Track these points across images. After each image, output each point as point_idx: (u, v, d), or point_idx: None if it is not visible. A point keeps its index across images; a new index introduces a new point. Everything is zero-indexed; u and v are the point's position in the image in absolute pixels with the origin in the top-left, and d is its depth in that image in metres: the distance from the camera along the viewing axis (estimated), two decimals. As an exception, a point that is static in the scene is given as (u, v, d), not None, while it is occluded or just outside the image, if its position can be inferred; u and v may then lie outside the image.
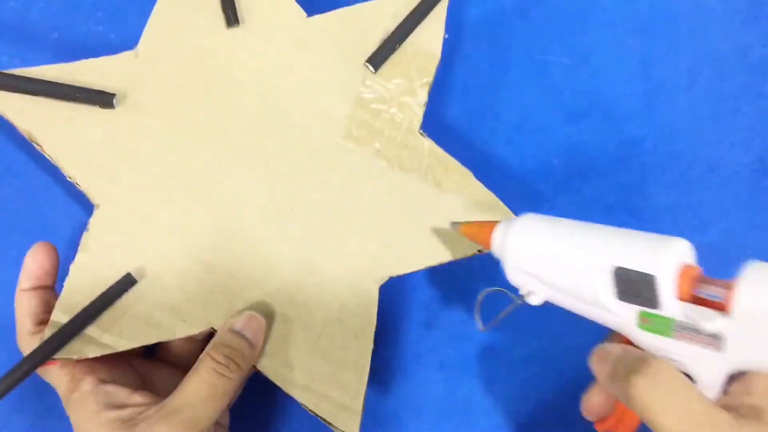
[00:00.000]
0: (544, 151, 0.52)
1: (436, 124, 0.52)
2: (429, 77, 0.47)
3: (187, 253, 0.44)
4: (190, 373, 0.40)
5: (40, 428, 0.48)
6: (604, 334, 0.39)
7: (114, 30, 0.54)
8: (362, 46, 0.47)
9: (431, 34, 0.48)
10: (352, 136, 0.46)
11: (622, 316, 0.35)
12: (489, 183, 0.46)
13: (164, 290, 0.43)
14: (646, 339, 0.34)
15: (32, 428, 0.48)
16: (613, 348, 0.35)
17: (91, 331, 0.42)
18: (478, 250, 0.44)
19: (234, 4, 0.47)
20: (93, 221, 0.44)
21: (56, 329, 0.41)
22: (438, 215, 0.45)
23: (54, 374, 0.41)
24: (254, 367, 0.42)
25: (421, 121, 0.46)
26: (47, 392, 0.42)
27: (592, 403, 0.37)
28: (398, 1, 0.48)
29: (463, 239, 0.44)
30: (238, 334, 0.41)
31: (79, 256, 0.43)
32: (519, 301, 0.39)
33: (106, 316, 0.42)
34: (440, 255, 0.44)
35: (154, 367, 0.45)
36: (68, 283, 0.43)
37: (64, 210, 0.50)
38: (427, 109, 0.47)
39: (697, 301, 0.33)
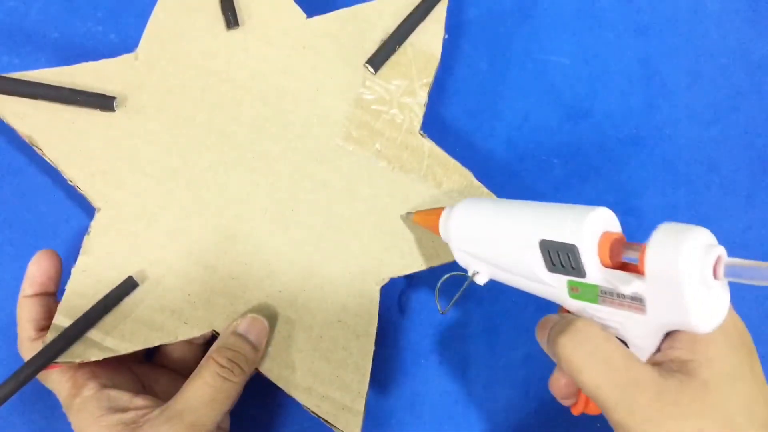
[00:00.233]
0: (544, 151, 0.52)
1: (436, 124, 0.52)
2: (429, 78, 0.47)
3: (188, 255, 0.44)
4: (193, 376, 0.40)
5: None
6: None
7: (114, 30, 0.54)
8: (362, 47, 0.47)
9: (431, 34, 0.48)
10: (353, 138, 0.46)
11: (555, 287, 0.35)
12: (489, 183, 0.46)
13: (166, 293, 0.43)
14: (579, 307, 0.35)
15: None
16: (551, 317, 0.36)
17: (93, 334, 0.42)
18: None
19: (234, 6, 0.47)
20: (94, 224, 0.44)
21: (58, 333, 0.41)
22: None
23: (55, 380, 0.41)
24: (256, 369, 0.43)
25: (421, 121, 0.46)
26: (49, 396, 0.42)
27: (558, 385, 0.37)
28: (398, 2, 0.48)
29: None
30: (241, 336, 0.41)
31: (81, 260, 0.43)
32: (469, 282, 0.40)
33: (108, 320, 0.42)
34: (441, 256, 0.45)
35: (155, 372, 0.45)
36: (70, 287, 0.43)
37: (64, 213, 0.50)
38: (427, 109, 0.47)
39: (624, 267, 0.33)
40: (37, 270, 0.43)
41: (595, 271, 0.33)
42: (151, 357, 0.47)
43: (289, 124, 0.46)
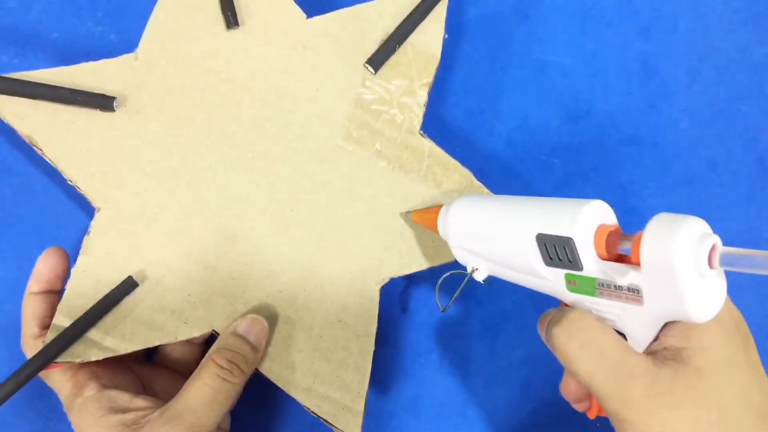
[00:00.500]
0: (544, 151, 0.52)
1: (436, 124, 0.52)
2: (429, 78, 0.47)
3: (188, 255, 0.44)
4: (193, 377, 0.40)
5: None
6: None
7: (114, 30, 0.54)
8: (362, 47, 0.47)
9: (431, 34, 0.48)
10: (353, 138, 0.46)
11: (553, 281, 0.35)
12: (489, 183, 0.46)
13: (166, 293, 0.44)
14: (577, 300, 0.35)
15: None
16: (551, 310, 0.37)
17: (93, 334, 0.42)
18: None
19: (233, 5, 0.47)
20: (94, 224, 0.44)
21: (58, 332, 0.41)
22: (438, 216, 0.45)
23: (56, 379, 0.41)
24: (256, 369, 0.43)
25: (421, 121, 0.46)
26: (49, 396, 0.42)
27: (569, 389, 0.37)
28: (398, 2, 0.48)
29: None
30: (241, 337, 0.41)
31: (81, 260, 0.44)
32: (468, 279, 0.40)
33: (108, 320, 0.43)
34: (441, 256, 0.45)
35: (155, 372, 0.45)
36: (70, 287, 0.43)
37: (64, 213, 0.50)
38: (427, 109, 0.47)
39: (621, 258, 0.34)
40: (45, 267, 0.43)
41: (592, 264, 0.33)
42: (151, 357, 0.47)
43: (289, 124, 0.46)
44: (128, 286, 0.43)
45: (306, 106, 0.47)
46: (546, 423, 0.48)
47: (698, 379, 0.31)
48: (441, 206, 0.42)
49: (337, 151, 0.46)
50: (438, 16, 0.48)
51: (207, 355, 0.41)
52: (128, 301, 0.43)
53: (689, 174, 0.51)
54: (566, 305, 0.37)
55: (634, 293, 0.32)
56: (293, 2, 0.48)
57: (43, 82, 0.45)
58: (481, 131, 0.52)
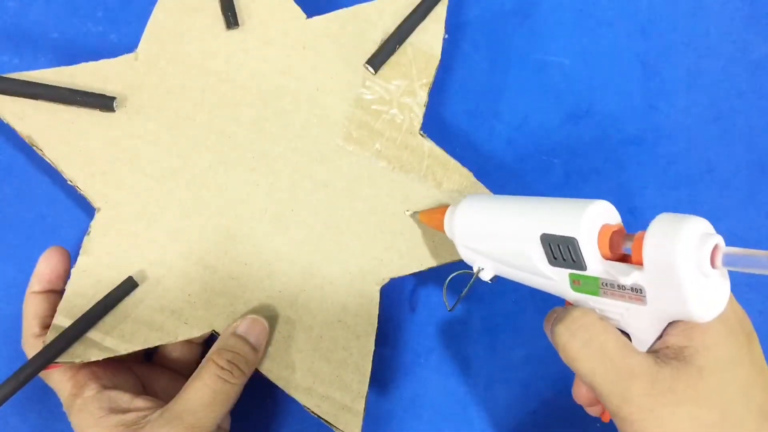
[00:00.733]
0: (544, 151, 0.52)
1: (436, 124, 0.52)
2: (429, 78, 0.47)
3: (188, 255, 0.44)
4: (193, 378, 0.40)
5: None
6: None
7: (114, 30, 0.54)
8: (362, 47, 0.47)
9: (431, 34, 0.48)
10: (353, 138, 0.46)
11: (558, 280, 0.36)
12: (489, 183, 0.46)
13: (166, 293, 0.44)
14: (582, 300, 0.35)
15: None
16: (557, 309, 0.37)
17: (93, 334, 0.42)
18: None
19: (233, 6, 0.47)
20: (94, 224, 0.44)
21: (58, 333, 0.41)
22: (438, 217, 0.45)
23: (56, 379, 0.41)
24: (257, 369, 0.43)
25: (421, 121, 0.46)
26: (49, 396, 0.42)
27: (580, 392, 0.37)
28: (398, 2, 0.48)
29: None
30: (241, 338, 0.41)
31: (81, 260, 0.44)
32: (475, 279, 0.40)
33: (108, 320, 0.42)
34: (441, 256, 0.45)
35: (154, 372, 0.45)
36: (70, 287, 0.43)
37: (64, 213, 0.50)
38: (427, 109, 0.47)
39: (625, 258, 0.34)
40: (47, 267, 0.43)
41: (596, 264, 0.34)
42: (151, 357, 0.47)
43: (289, 124, 0.46)
44: (128, 286, 0.43)
45: (306, 106, 0.46)
46: (546, 423, 0.48)
47: (699, 377, 0.31)
48: (448, 206, 0.42)
49: (337, 151, 0.46)
50: (438, 16, 0.48)
51: (207, 355, 0.41)
52: (128, 302, 0.43)
53: (689, 174, 0.51)
54: (571, 305, 0.37)
55: (637, 293, 0.32)
56: (293, 2, 0.48)
57: (43, 82, 0.45)
58: (481, 131, 0.52)
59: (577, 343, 0.33)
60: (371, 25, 0.48)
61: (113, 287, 0.43)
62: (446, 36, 0.48)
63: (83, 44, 0.53)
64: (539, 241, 0.35)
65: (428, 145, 0.46)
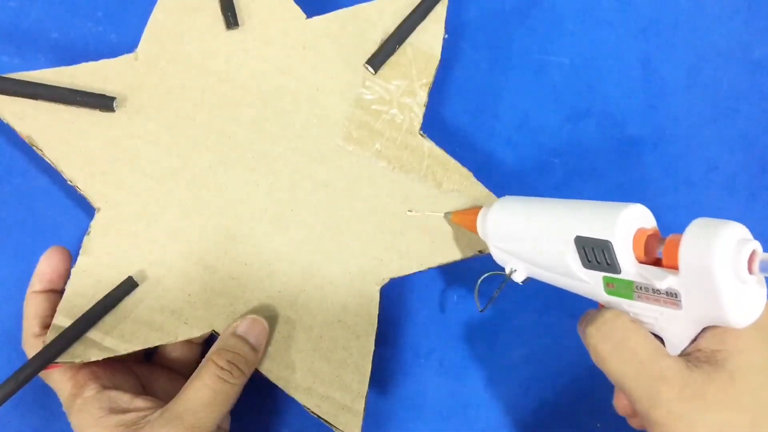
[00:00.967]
0: (544, 151, 0.52)
1: (436, 124, 0.52)
2: (429, 78, 0.47)
3: (188, 255, 0.44)
4: (192, 378, 0.40)
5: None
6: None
7: (114, 30, 0.54)
8: (362, 47, 0.47)
9: (431, 34, 0.48)
10: (353, 138, 0.46)
11: (591, 283, 0.36)
12: (489, 183, 0.46)
13: (166, 293, 0.43)
14: (615, 303, 0.35)
15: None
16: (590, 311, 0.37)
17: (93, 334, 0.42)
18: (479, 251, 0.44)
19: (233, 6, 0.47)
20: (94, 224, 0.44)
21: (58, 333, 0.41)
22: (439, 217, 0.45)
23: (56, 379, 0.41)
24: (257, 369, 0.43)
25: (421, 121, 0.46)
26: (49, 396, 0.42)
27: (622, 403, 0.37)
28: (398, 2, 0.48)
29: (462, 241, 0.44)
30: (241, 338, 0.41)
31: (81, 260, 0.44)
32: (507, 280, 0.40)
33: (108, 320, 0.42)
34: (440, 256, 0.45)
35: (154, 372, 0.45)
36: (70, 287, 0.43)
37: (64, 213, 0.50)
38: (427, 109, 0.47)
39: (659, 262, 0.34)
40: (48, 266, 0.43)
41: (630, 267, 0.33)
42: (151, 357, 0.47)
43: (289, 124, 0.46)
44: (128, 286, 0.43)
45: (306, 106, 0.46)
46: (546, 423, 0.48)
47: (731, 382, 0.31)
48: (480, 207, 0.42)
49: (337, 151, 0.46)
50: (438, 16, 0.48)
51: (207, 355, 0.41)
52: (128, 302, 0.43)
53: (689, 174, 0.51)
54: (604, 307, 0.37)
55: (672, 297, 0.32)
56: (293, 2, 0.48)
57: (43, 82, 0.45)
58: (481, 131, 0.52)
59: (607, 345, 0.33)
60: (371, 25, 0.48)
61: (113, 287, 0.43)
62: (446, 36, 0.48)
63: (83, 44, 0.53)
64: (573, 244, 0.35)
65: (428, 145, 0.46)
